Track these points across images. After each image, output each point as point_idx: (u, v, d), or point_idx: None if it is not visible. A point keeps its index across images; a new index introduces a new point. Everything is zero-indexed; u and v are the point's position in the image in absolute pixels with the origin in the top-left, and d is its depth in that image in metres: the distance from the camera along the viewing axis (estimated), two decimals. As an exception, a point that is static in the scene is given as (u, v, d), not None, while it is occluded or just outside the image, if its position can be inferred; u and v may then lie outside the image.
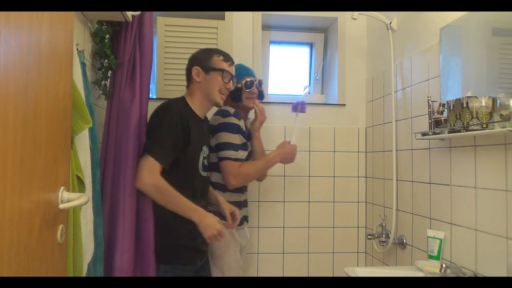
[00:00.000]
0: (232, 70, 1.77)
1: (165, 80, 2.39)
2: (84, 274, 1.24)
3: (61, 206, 0.89)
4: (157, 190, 1.53)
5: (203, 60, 1.72)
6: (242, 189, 1.96)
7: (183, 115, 1.61)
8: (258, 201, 2.40)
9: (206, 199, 1.80)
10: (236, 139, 1.83)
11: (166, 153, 1.55)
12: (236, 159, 1.82)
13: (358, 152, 2.50)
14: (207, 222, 1.58)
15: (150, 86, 1.76)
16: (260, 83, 2.02)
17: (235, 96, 1.93)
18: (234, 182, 1.82)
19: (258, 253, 2.39)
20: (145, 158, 1.53)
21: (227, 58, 1.76)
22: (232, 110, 1.87)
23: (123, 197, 1.55)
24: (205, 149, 1.73)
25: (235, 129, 1.84)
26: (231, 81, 1.75)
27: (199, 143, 1.68)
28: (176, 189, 1.55)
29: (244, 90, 1.94)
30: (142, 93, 1.66)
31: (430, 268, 1.56)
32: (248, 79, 1.96)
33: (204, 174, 1.72)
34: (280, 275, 2.41)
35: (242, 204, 1.96)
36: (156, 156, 1.52)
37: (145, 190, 1.53)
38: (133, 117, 1.59)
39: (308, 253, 2.44)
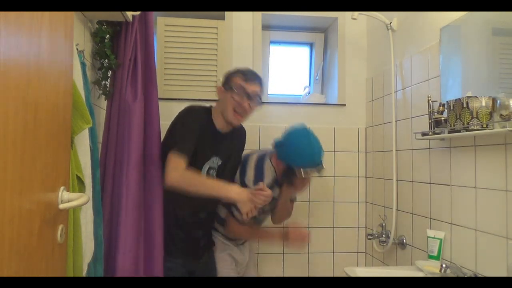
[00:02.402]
0: (252, 88, 1.67)
1: (165, 80, 2.39)
2: (84, 274, 1.24)
3: (61, 206, 0.89)
4: (185, 182, 1.55)
5: (226, 78, 1.74)
6: None
7: (200, 119, 1.67)
8: (258, 201, 2.40)
9: (211, 210, 1.80)
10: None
11: (187, 145, 1.60)
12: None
13: (358, 152, 2.50)
14: (244, 202, 1.58)
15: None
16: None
17: None
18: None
19: (258, 253, 2.39)
20: (169, 156, 1.57)
21: (247, 76, 1.69)
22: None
23: (126, 196, 1.55)
24: (215, 160, 1.74)
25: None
26: (247, 100, 1.65)
27: (205, 151, 1.70)
28: (176, 194, 1.58)
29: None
30: (148, 92, 1.66)
31: (430, 268, 1.56)
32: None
33: None
34: (280, 275, 2.41)
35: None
36: (179, 149, 1.57)
37: (175, 185, 1.55)
38: (136, 117, 1.59)
39: (308, 253, 2.43)
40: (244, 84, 1.66)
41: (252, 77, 1.69)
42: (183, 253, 1.72)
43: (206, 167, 1.71)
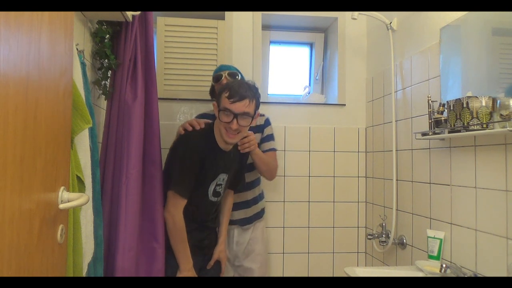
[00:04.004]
0: (237, 108, 1.59)
1: (165, 80, 2.39)
2: (84, 274, 1.24)
3: (61, 206, 0.89)
4: (174, 225, 1.66)
5: (217, 95, 1.69)
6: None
7: (199, 146, 1.67)
8: (258, 201, 2.40)
9: (209, 218, 1.83)
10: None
11: (185, 186, 1.66)
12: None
13: (358, 152, 2.50)
14: (183, 273, 1.68)
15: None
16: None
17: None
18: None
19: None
20: (168, 194, 1.67)
21: (232, 95, 1.59)
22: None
23: (125, 196, 1.55)
24: (222, 177, 1.75)
25: None
26: (234, 120, 1.59)
27: (212, 171, 1.71)
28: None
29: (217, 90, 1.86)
30: (148, 92, 1.66)
31: (430, 268, 1.56)
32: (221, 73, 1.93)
33: (214, 199, 1.77)
34: (280, 275, 2.41)
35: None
36: (177, 191, 1.65)
37: (166, 220, 1.67)
38: (136, 116, 1.59)
39: (308, 253, 2.44)
40: (228, 105, 1.59)
41: (238, 94, 1.59)
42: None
43: (212, 185, 1.73)
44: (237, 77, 1.92)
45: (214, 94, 1.99)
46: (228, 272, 2.02)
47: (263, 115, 2.05)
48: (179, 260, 1.68)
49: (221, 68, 2.00)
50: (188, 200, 1.68)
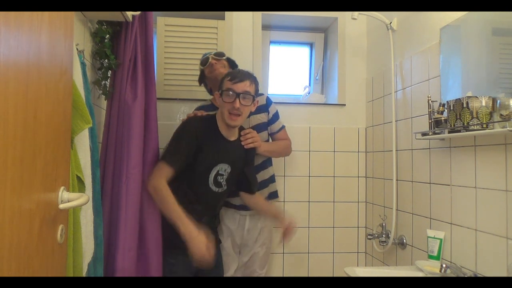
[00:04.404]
0: (240, 87, 1.67)
1: (165, 80, 2.39)
2: (84, 274, 1.24)
3: (61, 206, 0.89)
4: (156, 192, 1.61)
5: (219, 84, 1.76)
6: None
7: (197, 128, 1.69)
8: (258, 201, 2.40)
9: (215, 213, 1.83)
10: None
11: (176, 157, 1.65)
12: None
13: (358, 152, 2.50)
14: (196, 244, 1.53)
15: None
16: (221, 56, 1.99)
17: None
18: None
19: (258, 253, 2.38)
20: (157, 163, 1.66)
21: (234, 77, 1.70)
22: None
23: (125, 196, 1.55)
24: (224, 167, 1.74)
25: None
26: (237, 100, 1.65)
27: (212, 159, 1.71)
28: (182, 197, 1.63)
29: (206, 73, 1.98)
30: (147, 92, 1.66)
31: (430, 268, 1.56)
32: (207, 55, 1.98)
33: (215, 189, 1.75)
34: (280, 275, 2.41)
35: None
36: (166, 159, 1.64)
37: (149, 190, 1.62)
38: (136, 116, 1.59)
39: (308, 253, 2.44)
40: (231, 85, 1.68)
41: (239, 76, 1.70)
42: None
43: (213, 172, 1.72)
44: (223, 56, 1.99)
45: (203, 79, 2.05)
46: (229, 263, 1.98)
47: (262, 94, 2.02)
48: (179, 226, 1.55)
49: (206, 53, 2.03)
50: (188, 186, 1.68)
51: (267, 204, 1.95)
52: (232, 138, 1.77)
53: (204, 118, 1.79)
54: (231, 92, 1.67)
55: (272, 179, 2.09)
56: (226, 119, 1.69)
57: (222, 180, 1.76)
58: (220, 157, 1.73)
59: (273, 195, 2.10)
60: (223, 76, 1.77)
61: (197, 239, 1.54)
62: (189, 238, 1.53)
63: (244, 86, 1.68)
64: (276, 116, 2.05)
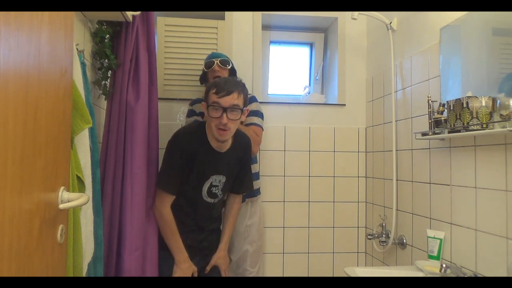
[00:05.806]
0: (226, 101, 1.58)
1: (165, 80, 2.39)
2: (84, 274, 1.24)
3: (61, 206, 0.89)
4: (162, 218, 1.69)
5: (205, 94, 1.67)
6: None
7: (186, 144, 1.67)
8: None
9: (206, 220, 1.82)
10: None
11: (170, 182, 1.68)
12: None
13: (358, 152, 2.50)
14: (181, 268, 1.71)
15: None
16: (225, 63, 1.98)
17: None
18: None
19: (258, 253, 2.38)
20: (156, 191, 1.71)
21: (220, 89, 1.59)
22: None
23: (131, 196, 1.55)
24: (218, 178, 1.73)
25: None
26: (224, 115, 1.57)
27: (204, 172, 1.70)
28: (179, 210, 1.71)
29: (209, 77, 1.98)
30: (149, 93, 1.66)
31: (430, 268, 1.56)
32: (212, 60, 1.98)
33: (210, 200, 1.75)
34: (280, 275, 2.41)
35: None
36: (162, 187, 1.69)
37: (155, 216, 1.70)
38: (139, 117, 1.59)
39: (308, 253, 2.44)
40: (217, 99, 1.58)
41: (225, 88, 1.59)
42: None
43: (206, 185, 1.72)
44: (228, 65, 1.97)
45: (205, 80, 2.04)
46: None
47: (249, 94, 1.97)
48: (173, 252, 1.71)
49: (213, 55, 2.02)
50: (183, 200, 1.71)
51: (231, 223, 1.90)
52: (224, 149, 1.72)
53: (193, 130, 1.72)
54: (217, 107, 1.58)
55: (256, 176, 2.10)
56: (215, 133, 1.62)
57: (217, 191, 1.75)
58: (212, 170, 1.71)
59: (256, 193, 2.10)
60: (208, 87, 1.66)
61: (184, 264, 1.71)
62: (179, 263, 1.71)
63: (232, 99, 1.58)
64: (253, 112, 1.98)
